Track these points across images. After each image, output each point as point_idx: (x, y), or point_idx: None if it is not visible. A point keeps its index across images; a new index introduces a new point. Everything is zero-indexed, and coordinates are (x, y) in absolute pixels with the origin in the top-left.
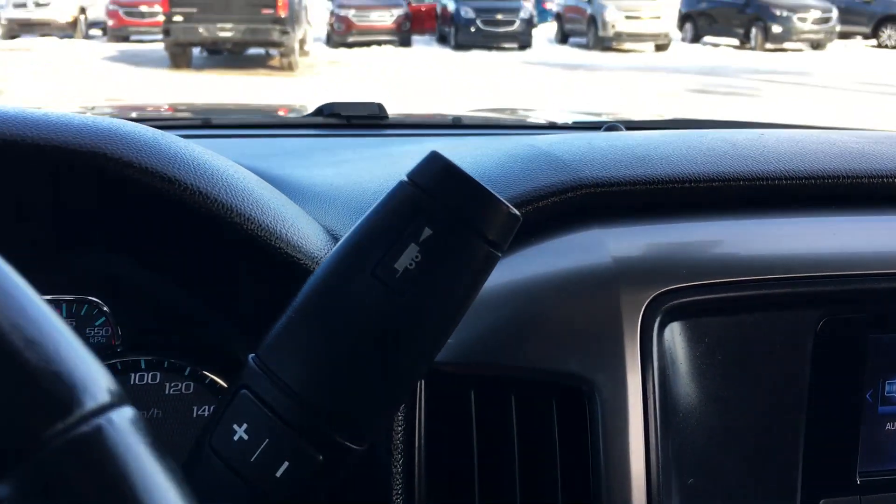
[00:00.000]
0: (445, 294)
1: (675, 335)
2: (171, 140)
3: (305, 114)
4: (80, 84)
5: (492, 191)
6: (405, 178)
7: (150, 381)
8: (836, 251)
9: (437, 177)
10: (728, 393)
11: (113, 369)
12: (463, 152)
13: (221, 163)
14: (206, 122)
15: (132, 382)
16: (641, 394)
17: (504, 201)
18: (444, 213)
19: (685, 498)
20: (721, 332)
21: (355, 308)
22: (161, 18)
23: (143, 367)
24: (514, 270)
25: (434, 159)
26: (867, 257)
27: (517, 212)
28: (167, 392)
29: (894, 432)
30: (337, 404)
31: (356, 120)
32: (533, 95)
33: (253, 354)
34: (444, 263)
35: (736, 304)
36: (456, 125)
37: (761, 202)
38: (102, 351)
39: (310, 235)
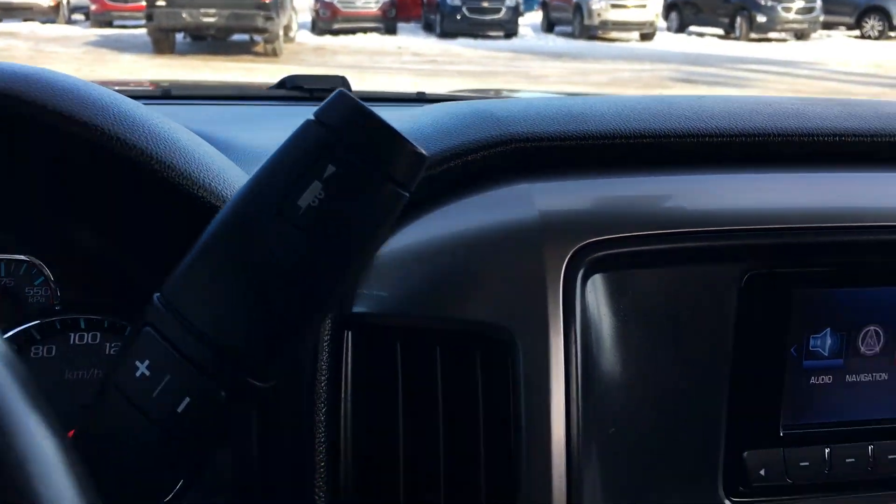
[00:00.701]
0: (349, 232)
1: (599, 288)
2: (94, 88)
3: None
4: (61, 69)
5: (397, 129)
6: (312, 117)
7: (90, 340)
8: (762, 206)
9: (342, 115)
10: (652, 346)
11: (52, 328)
12: (406, 114)
13: (146, 112)
14: (166, 93)
15: (72, 342)
16: (563, 345)
17: (409, 141)
18: (348, 151)
19: (606, 449)
20: (645, 285)
21: (258, 245)
22: (144, 3)
23: (82, 326)
24: (441, 224)
25: (340, 97)
26: (792, 212)
27: (423, 151)
28: (108, 352)
29: (818, 386)
30: (238, 341)
31: (319, 93)
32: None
33: (158, 293)
34: (348, 201)
35: (660, 257)
36: (419, 99)
37: (692, 159)
38: (42, 310)
39: (235, 184)
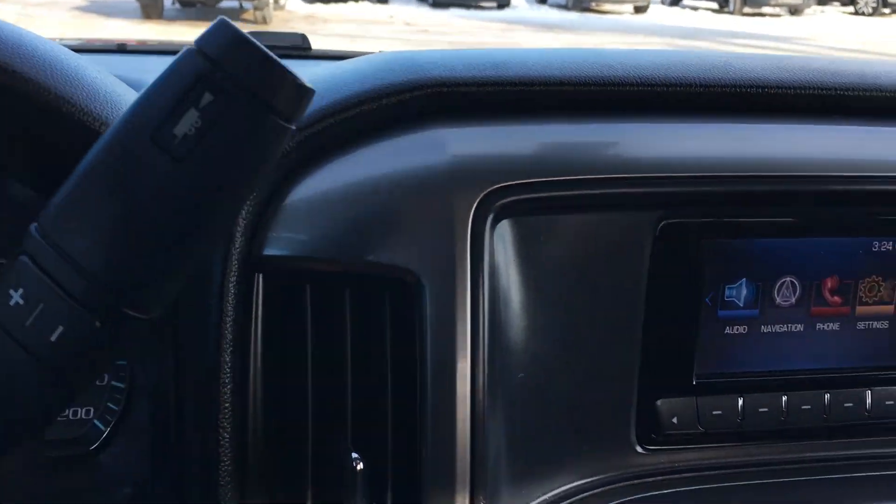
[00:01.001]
0: (227, 163)
1: (509, 234)
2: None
3: None
4: (46, 34)
5: (280, 61)
6: (192, 46)
7: None
8: (679, 155)
9: (222, 44)
10: (564, 293)
11: None
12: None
13: (49, 47)
14: (121, 48)
15: None
16: (470, 290)
17: (293, 73)
18: (226, 80)
19: (514, 395)
20: (558, 232)
21: (132, 173)
22: None
23: None
24: (354, 168)
25: (221, 26)
26: (710, 161)
27: (309, 85)
28: None
29: (732, 336)
30: (113, 271)
31: (278, 50)
32: None
33: (35, 222)
34: (225, 131)
35: (573, 203)
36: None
37: (612, 108)
38: None
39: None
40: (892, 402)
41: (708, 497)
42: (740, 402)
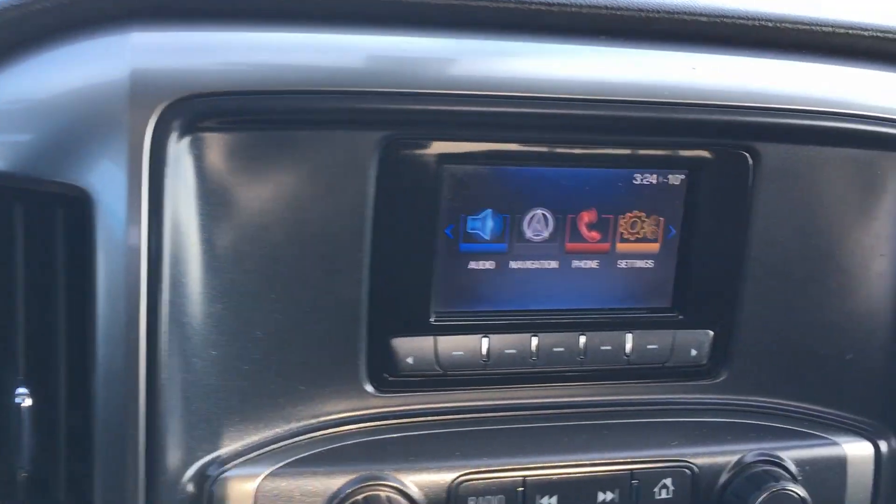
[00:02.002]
0: None
1: (206, 150)
2: None
3: None
4: None
5: None
6: None
7: None
8: (408, 70)
9: None
10: (271, 215)
11: None
12: None
13: None
14: None
15: None
16: (148, 208)
17: None
18: None
19: (206, 327)
20: (266, 150)
21: None
22: None
23: None
24: (28, 77)
25: None
26: (446, 78)
27: None
28: None
29: (477, 272)
30: None
31: None
32: None
33: None
34: None
35: (279, 118)
36: None
37: (336, 16)
38: None
39: None
40: (653, 346)
41: (445, 442)
42: (485, 342)
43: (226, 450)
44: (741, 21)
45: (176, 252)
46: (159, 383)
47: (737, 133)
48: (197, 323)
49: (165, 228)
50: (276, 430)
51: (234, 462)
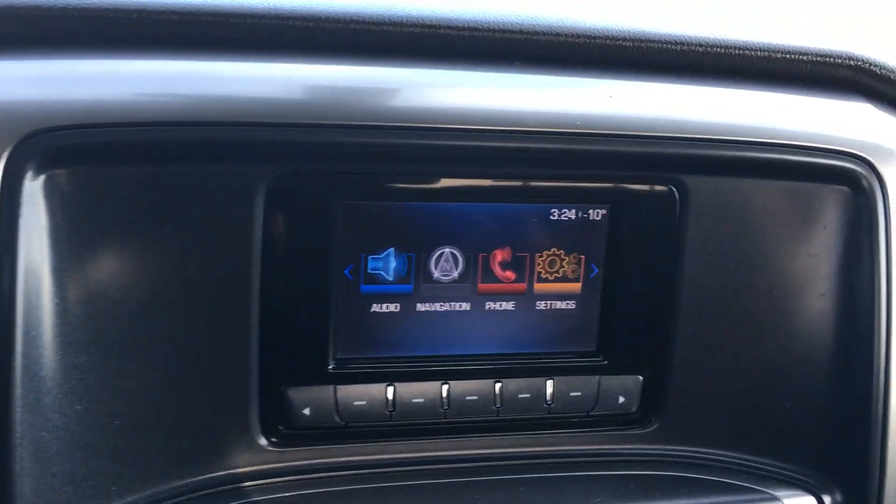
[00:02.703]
0: None
1: (63, 185)
2: None
3: None
4: None
5: None
6: None
7: None
8: (296, 99)
9: None
10: (145, 255)
11: None
12: None
13: None
14: None
15: None
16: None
17: None
18: None
19: (71, 380)
20: (131, 185)
21: None
22: None
23: None
24: None
25: None
26: (335, 108)
27: None
28: None
29: (380, 315)
30: None
31: None
32: None
33: None
34: None
35: (147, 151)
36: None
37: (208, 43)
38: None
39: None
40: (577, 393)
41: (347, 500)
42: (390, 391)
43: None
44: (668, 46)
45: (32, 298)
46: (12, 442)
47: (661, 165)
48: (57, 375)
49: (19, 272)
50: (152, 489)
51: None
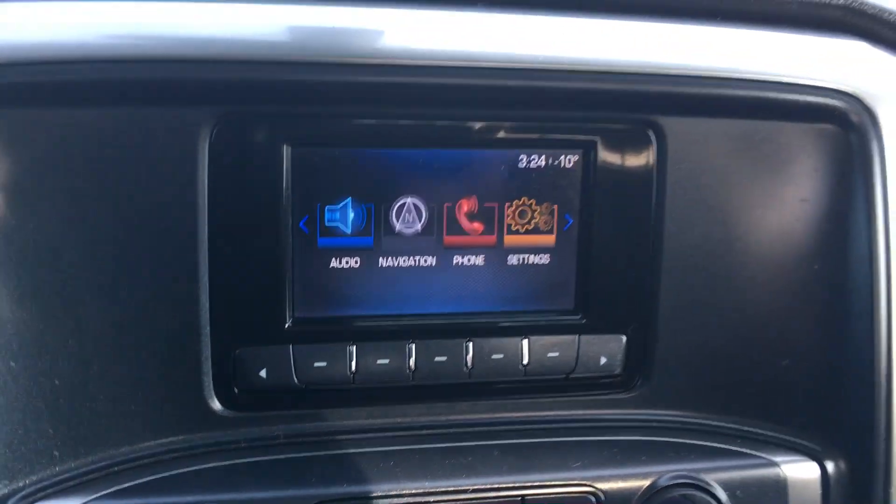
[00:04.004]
0: None
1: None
2: None
3: None
4: None
5: None
6: None
7: None
8: (242, 37)
9: None
10: (87, 203)
11: None
12: None
13: None
14: None
15: None
16: None
17: None
18: None
19: (12, 341)
20: (70, 128)
21: None
22: None
23: None
24: None
25: None
26: (284, 46)
27: None
28: None
29: (340, 271)
30: None
31: None
32: None
33: None
34: None
35: (83, 91)
36: None
37: None
38: None
39: None
40: (554, 354)
41: (304, 467)
42: (352, 351)
43: (31, 478)
44: None
45: None
46: None
47: (636, 105)
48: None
49: None
50: (98, 454)
51: (43, 493)
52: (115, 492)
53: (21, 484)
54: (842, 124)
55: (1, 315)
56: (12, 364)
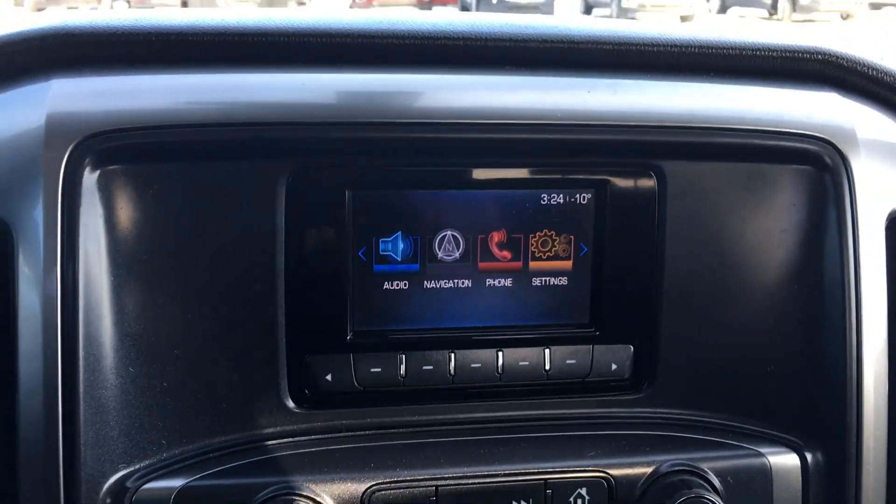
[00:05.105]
0: None
1: (117, 181)
2: None
3: None
4: None
5: None
6: None
7: None
8: (308, 101)
9: None
10: (185, 245)
11: None
12: None
13: None
14: None
15: None
16: (62, 239)
17: None
18: None
19: (127, 350)
20: (172, 180)
21: None
22: None
23: None
24: None
25: None
26: (346, 108)
27: None
28: None
29: (391, 292)
30: None
31: None
32: None
33: None
34: None
35: (183, 149)
36: None
37: (236, 57)
38: None
39: None
40: (572, 361)
41: (361, 455)
42: (402, 358)
43: (145, 462)
44: (646, 48)
45: (93, 277)
46: (77, 398)
47: (640, 152)
48: (114, 342)
49: (80, 253)
50: (196, 444)
51: (154, 474)
52: (210, 473)
53: (137, 466)
54: (817, 166)
55: (125, 330)
56: (131, 370)
